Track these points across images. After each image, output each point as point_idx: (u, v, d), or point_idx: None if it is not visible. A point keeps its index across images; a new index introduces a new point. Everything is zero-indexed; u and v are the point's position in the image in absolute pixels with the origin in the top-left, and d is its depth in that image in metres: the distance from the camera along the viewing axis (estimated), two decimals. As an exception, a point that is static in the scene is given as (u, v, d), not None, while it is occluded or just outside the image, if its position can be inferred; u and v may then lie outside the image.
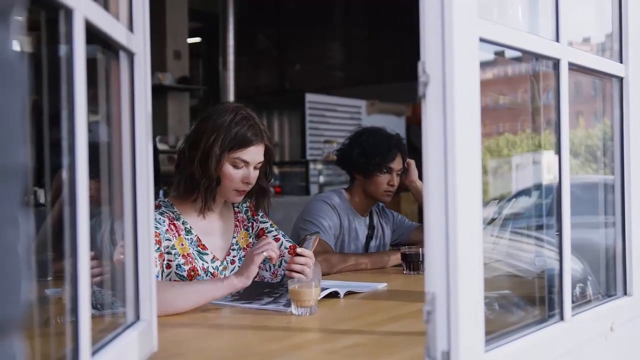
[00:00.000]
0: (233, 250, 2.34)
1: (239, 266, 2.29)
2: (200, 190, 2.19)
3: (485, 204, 1.30)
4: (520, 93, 2.03)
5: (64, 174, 1.01)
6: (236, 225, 2.37)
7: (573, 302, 1.56)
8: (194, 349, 1.60)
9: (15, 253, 0.57)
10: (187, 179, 2.20)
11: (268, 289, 2.13)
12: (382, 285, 2.36)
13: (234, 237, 2.35)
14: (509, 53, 1.54)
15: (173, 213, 2.22)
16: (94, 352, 1.10)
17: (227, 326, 1.79)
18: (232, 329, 1.76)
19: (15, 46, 0.58)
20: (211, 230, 2.29)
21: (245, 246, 2.36)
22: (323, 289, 2.04)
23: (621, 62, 1.82)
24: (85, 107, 1.04)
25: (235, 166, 2.19)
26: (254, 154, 2.21)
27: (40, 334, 1.21)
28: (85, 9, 1.04)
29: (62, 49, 1.02)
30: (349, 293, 2.19)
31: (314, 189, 7.48)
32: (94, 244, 1.09)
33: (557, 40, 1.52)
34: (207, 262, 2.23)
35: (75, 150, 1.01)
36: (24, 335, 0.61)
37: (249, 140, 2.19)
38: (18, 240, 0.58)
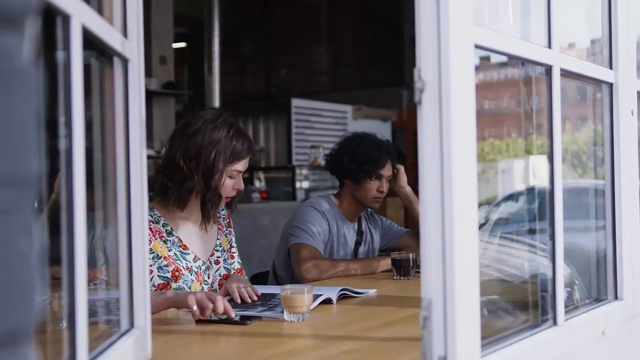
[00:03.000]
0: (217, 251, 2.41)
1: (223, 267, 2.40)
2: (206, 204, 2.27)
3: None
4: (506, 98, 2.04)
5: (62, 181, 1.00)
6: (219, 229, 2.45)
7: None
8: (188, 357, 1.60)
9: (29, 262, 0.57)
10: (187, 192, 2.25)
11: (261, 301, 2.12)
12: (372, 292, 2.36)
13: (218, 239, 2.43)
14: (494, 58, 1.55)
15: (152, 216, 2.26)
16: (90, 360, 1.09)
17: (220, 333, 1.78)
18: (225, 336, 1.76)
19: (29, 54, 0.58)
20: (194, 232, 2.35)
21: (226, 250, 2.45)
22: (315, 296, 2.04)
23: (611, 68, 1.83)
24: (82, 113, 1.03)
25: (231, 177, 2.29)
26: (246, 163, 2.34)
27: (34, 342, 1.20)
28: (82, 15, 1.03)
29: (59, 55, 1.02)
30: (342, 297, 2.19)
31: (300, 194, 7.47)
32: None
33: (549, 46, 1.53)
34: (189, 262, 2.28)
35: (72, 157, 1.00)
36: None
37: (246, 154, 2.31)
38: (32, 249, 0.57)
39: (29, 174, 0.57)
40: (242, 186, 2.33)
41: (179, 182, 2.24)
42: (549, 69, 1.53)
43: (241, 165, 2.30)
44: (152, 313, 1.92)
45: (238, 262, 2.51)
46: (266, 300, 2.13)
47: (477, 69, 1.51)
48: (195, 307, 1.81)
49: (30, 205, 0.58)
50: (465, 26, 1.20)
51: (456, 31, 1.17)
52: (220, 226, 2.46)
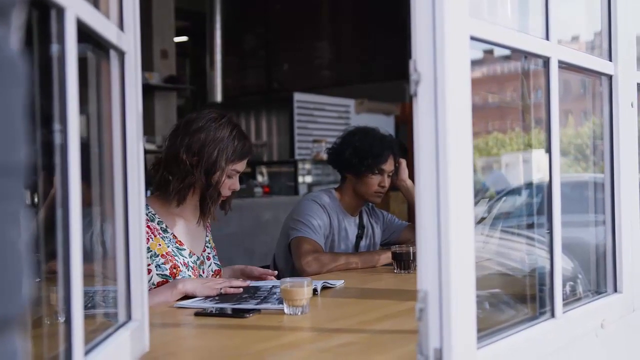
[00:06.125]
0: (207, 247, 2.46)
1: (214, 263, 2.45)
2: (206, 200, 2.31)
3: (475, 202, 1.30)
4: (509, 91, 2.03)
5: (57, 175, 1.00)
6: (207, 227, 2.49)
7: (563, 299, 1.56)
8: (186, 349, 1.60)
9: (17, 250, 0.57)
10: (187, 187, 2.29)
11: (246, 295, 2.12)
12: (339, 283, 2.39)
13: (207, 236, 2.48)
14: (498, 51, 1.55)
15: (147, 214, 2.28)
16: (86, 352, 1.09)
17: (219, 326, 1.78)
18: (224, 329, 1.76)
19: (16, 44, 0.58)
20: (186, 229, 2.38)
21: (213, 246, 2.50)
22: None
23: (610, 60, 1.83)
24: (77, 107, 1.03)
25: (229, 176, 2.33)
26: (244, 164, 2.38)
27: (30, 335, 1.21)
28: (77, 8, 1.03)
29: (54, 48, 1.02)
30: (324, 288, 2.25)
31: (302, 188, 7.47)
32: (83, 245, 1.09)
33: (547, 38, 1.53)
34: (186, 258, 2.31)
35: (67, 151, 1.01)
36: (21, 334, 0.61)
37: (247, 154, 2.35)
38: (20, 238, 0.58)
39: (17, 163, 0.57)
40: (237, 187, 2.38)
41: (181, 177, 2.27)
42: (546, 61, 1.53)
43: (240, 166, 2.34)
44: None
45: (216, 263, 2.53)
46: (253, 293, 2.13)
47: (481, 62, 1.51)
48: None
49: (18, 195, 0.58)
50: (461, 18, 1.20)
51: (451, 23, 1.16)
52: (208, 224, 2.50)
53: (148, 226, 2.25)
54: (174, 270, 2.24)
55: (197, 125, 2.28)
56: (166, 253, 2.25)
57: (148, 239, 2.22)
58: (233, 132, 2.31)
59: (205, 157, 2.26)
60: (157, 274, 2.22)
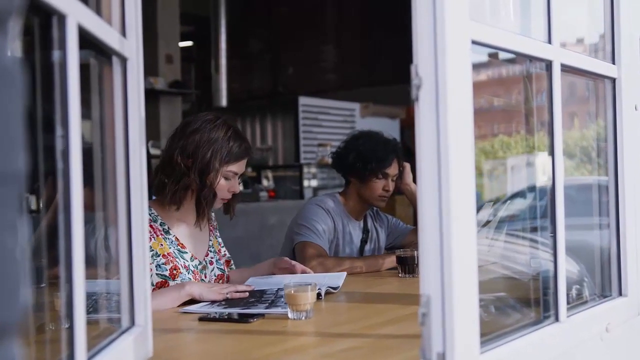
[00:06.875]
0: (211, 251, 2.45)
1: (217, 267, 2.44)
2: (201, 202, 2.30)
3: (480, 206, 1.30)
4: (515, 94, 2.03)
5: (59, 181, 1.00)
6: (211, 230, 2.49)
7: (569, 303, 1.56)
8: (189, 354, 1.60)
9: (14, 258, 0.57)
10: (183, 189, 2.29)
11: (253, 299, 2.12)
12: (342, 275, 2.42)
13: (210, 240, 2.47)
14: (503, 54, 1.54)
15: (150, 215, 2.28)
16: (89, 358, 1.10)
17: (222, 331, 1.78)
18: (227, 334, 1.76)
19: (13, 52, 0.58)
20: (189, 233, 2.38)
21: (217, 251, 2.49)
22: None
23: (614, 63, 1.82)
24: (79, 113, 1.03)
25: (226, 178, 2.32)
26: (243, 165, 2.37)
27: (34, 341, 1.21)
28: (79, 15, 1.04)
29: (55, 54, 1.02)
30: (328, 293, 2.24)
31: (308, 192, 7.47)
32: (87, 251, 1.09)
33: (550, 41, 1.52)
34: (187, 261, 2.32)
35: (69, 156, 1.01)
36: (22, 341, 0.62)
37: (243, 155, 2.34)
38: (17, 246, 0.58)
39: (15, 171, 0.57)
40: (237, 189, 2.37)
41: (176, 179, 2.27)
42: (549, 64, 1.52)
43: (237, 167, 2.33)
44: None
45: (219, 267, 2.52)
46: (259, 297, 2.13)
47: (486, 65, 1.51)
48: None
49: (16, 202, 0.58)
50: (462, 22, 1.20)
51: (452, 27, 1.16)
52: (212, 228, 2.50)
53: (151, 226, 2.25)
54: (174, 272, 2.24)
55: (193, 128, 2.30)
56: (167, 254, 2.26)
57: (150, 238, 2.22)
58: (228, 133, 2.30)
59: (199, 158, 2.26)
60: (156, 274, 2.22)
